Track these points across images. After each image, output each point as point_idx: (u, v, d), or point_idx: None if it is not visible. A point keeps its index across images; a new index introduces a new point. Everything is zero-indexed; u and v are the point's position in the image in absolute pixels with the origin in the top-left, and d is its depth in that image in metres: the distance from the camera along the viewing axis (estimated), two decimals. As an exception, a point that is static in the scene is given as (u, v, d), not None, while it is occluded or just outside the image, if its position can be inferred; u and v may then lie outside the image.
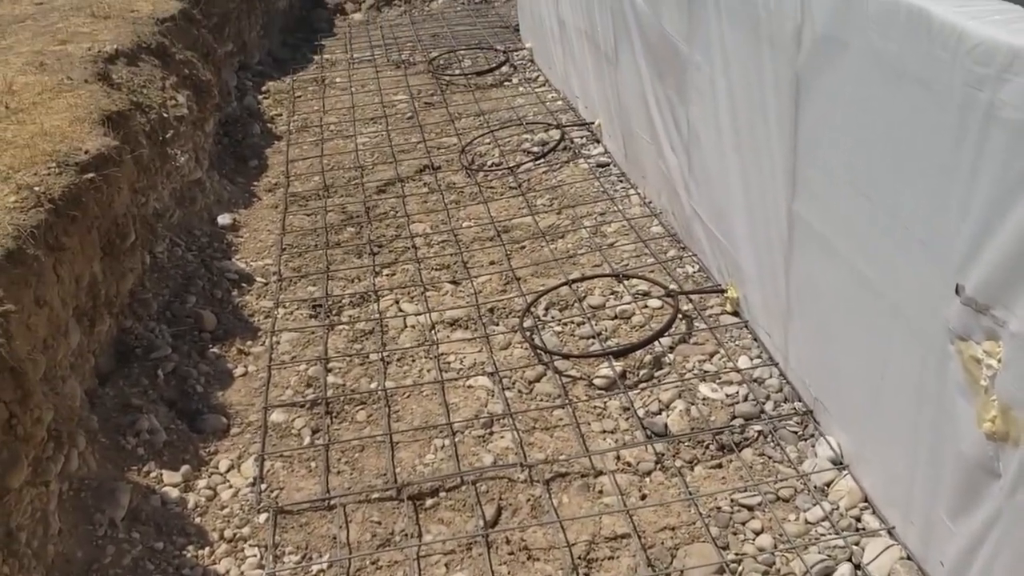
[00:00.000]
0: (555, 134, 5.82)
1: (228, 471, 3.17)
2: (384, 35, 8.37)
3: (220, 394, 3.53)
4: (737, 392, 3.31)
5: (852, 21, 2.45)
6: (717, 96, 3.50)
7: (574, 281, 4.08)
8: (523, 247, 4.61)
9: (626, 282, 4.06)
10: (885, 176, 2.43)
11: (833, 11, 2.55)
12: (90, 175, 3.42)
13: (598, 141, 5.64)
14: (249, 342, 3.88)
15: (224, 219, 4.90)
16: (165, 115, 4.86)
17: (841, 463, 2.93)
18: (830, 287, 2.87)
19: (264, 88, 7.10)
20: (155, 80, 5.06)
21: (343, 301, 4.21)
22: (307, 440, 3.30)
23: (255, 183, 5.55)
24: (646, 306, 3.90)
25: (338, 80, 7.33)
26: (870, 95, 2.43)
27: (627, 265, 4.26)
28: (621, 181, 5.14)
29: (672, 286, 3.99)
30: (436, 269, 4.47)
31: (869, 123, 2.46)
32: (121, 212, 3.79)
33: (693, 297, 3.87)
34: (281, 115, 6.66)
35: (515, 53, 7.44)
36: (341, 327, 3.99)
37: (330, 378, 3.62)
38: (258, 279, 4.42)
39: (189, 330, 3.85)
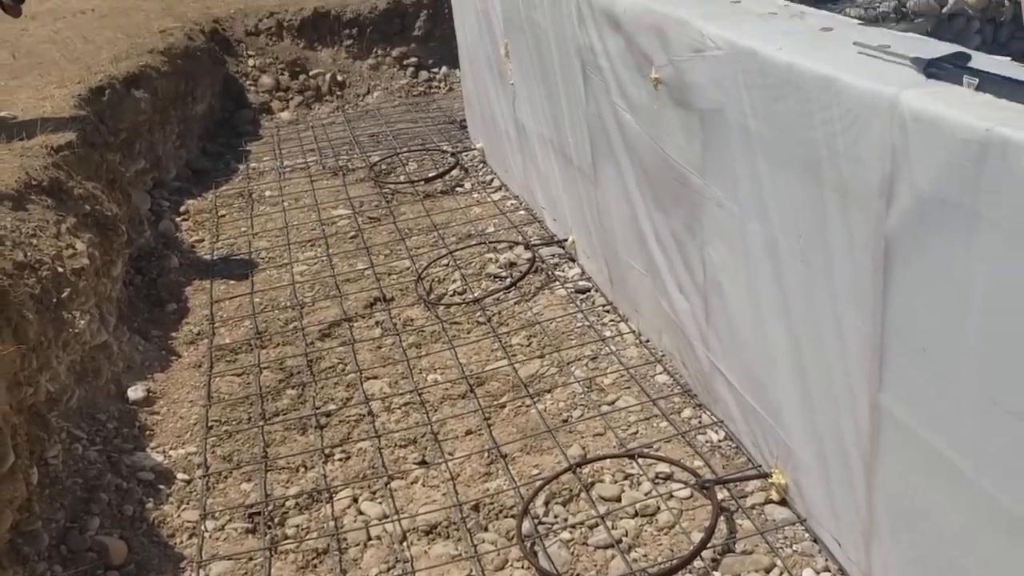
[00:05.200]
0: (522, 252, 5.10)
1: None
2: (317, 136, 7.61)
3: (130, 678, 2.65)
4: (814, 631, 2.56)
5: (988, 186, 1.77)
6: (749, 243, 2.81)
7: (578, 465, 3.31)
8: (503, 406, 3.84)
9: (642, 460, 3.31)
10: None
11: (948, 167, 1.87)
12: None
13: (573, 260, 4.94)
14: (169, 582, 3.01)
15: (136, 392, 4.02)
16: (61, 269, 4.00)
17: None
18: (948, 514, 2.15)
19: (183, 208, 6.25)
20: (48, 225, 4.21)
21: (287, 504, 3.36)
22: None
23: (173, 334, 4.69)
24: (671, 496, 3.14)
25: (268, 193, 6.52)
26: None
27: (636, 432, 3.51)
28: (608, 312, 4.42)
29: (697, 464, 3.25)
30: (400, 446, 3.66)
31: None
32: (-7, 427, 2.93)
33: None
34: (203, 241, 5.82)
35: (464, 154, 6.75)
36: (286, 546, 3.14)
37: (278, 637, 2.77)
38: (179, 476, 3.54)
39: (91, 569, 2.98)
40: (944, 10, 6.49)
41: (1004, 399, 1.86)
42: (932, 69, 2.01)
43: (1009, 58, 2.02)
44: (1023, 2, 6.31)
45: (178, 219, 6.08)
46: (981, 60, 2.03)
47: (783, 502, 3.01)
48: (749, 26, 2.72)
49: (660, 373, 3.86)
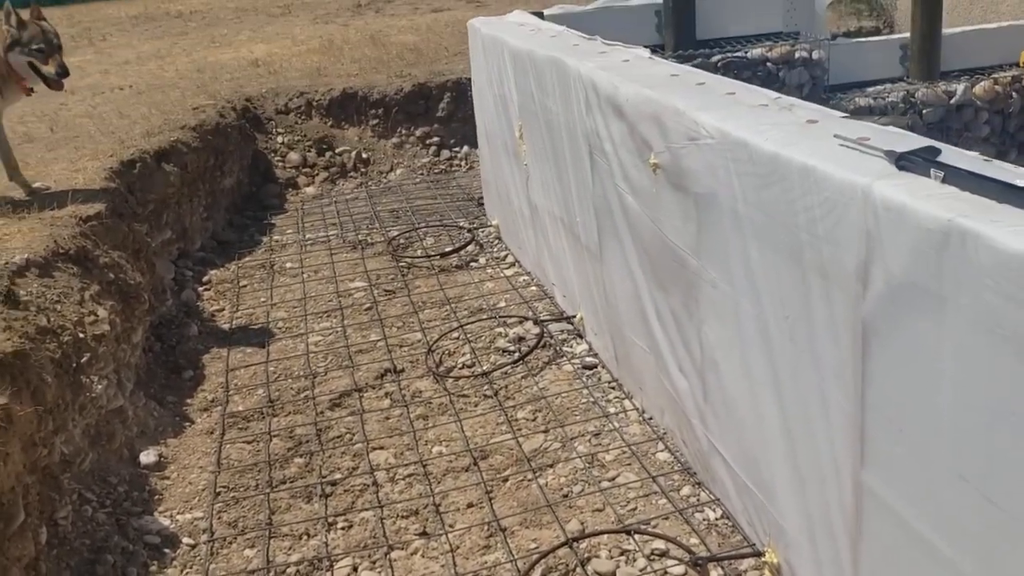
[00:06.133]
0: (531, 328, 5.20)
1: None
2: (339, 211, 7.83)
3: None
4: None
5: (950, 272, 1.86)
6: (742, 322, 2.89)
7: (575, 540, 3.34)
8: (506, 480, 3.89)
9: (638, 536, 3.34)
10: (1018, 475, 1.78)
11: (916, 255, 1.96)
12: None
13: (581, 336, 5.02)
14: (168, 646, 3.05)
15: (148, 456, 4.12)
16: (82, 334, 4.15)
17: None
18: (928, 594, 2.18)
19: (206, 278, 6.42)
20: (72, 292, 4.38)
21: (287, 571, 3.41)
22: None
23: (188, 400, 4.80)
24: (665, 572, 3.16)
25: (288, 265, 6.70)
26: (986, 367, 1.81)
27: (635, 509, 3.55)
28: (613, 388, 4.49)
29: (693, 541, 3.27)
30: (402, 516, 3.71)
31: (988, 401, 1.83)
32: (9, 487, 3.03)
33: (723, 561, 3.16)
34: (223, 310, 5.97)
35: (480, 230, 6.91)
36: (286, 614, 3.19)
37: None
38: (184, 541, 3.61)
39: (91, 629, 3.04)
40: (952, 101, 6.64)
41: (974, 478, 1.91)
42: (903, 161, 2.11)
43: (978, 153, 2.13)
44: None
45: (200, 288, 6.25)
46: (949, 154, 2.14)
47: (776, 581, 3.03)
48: (740, 117, 2.86)
49: (661, 450, 3.91)
